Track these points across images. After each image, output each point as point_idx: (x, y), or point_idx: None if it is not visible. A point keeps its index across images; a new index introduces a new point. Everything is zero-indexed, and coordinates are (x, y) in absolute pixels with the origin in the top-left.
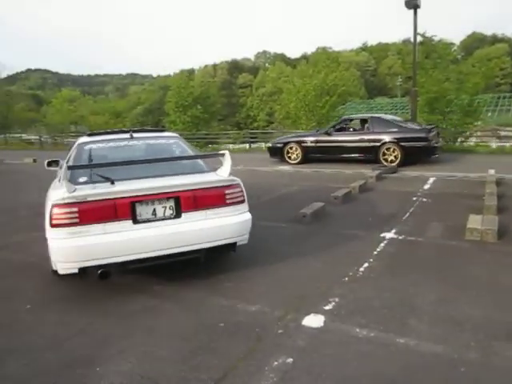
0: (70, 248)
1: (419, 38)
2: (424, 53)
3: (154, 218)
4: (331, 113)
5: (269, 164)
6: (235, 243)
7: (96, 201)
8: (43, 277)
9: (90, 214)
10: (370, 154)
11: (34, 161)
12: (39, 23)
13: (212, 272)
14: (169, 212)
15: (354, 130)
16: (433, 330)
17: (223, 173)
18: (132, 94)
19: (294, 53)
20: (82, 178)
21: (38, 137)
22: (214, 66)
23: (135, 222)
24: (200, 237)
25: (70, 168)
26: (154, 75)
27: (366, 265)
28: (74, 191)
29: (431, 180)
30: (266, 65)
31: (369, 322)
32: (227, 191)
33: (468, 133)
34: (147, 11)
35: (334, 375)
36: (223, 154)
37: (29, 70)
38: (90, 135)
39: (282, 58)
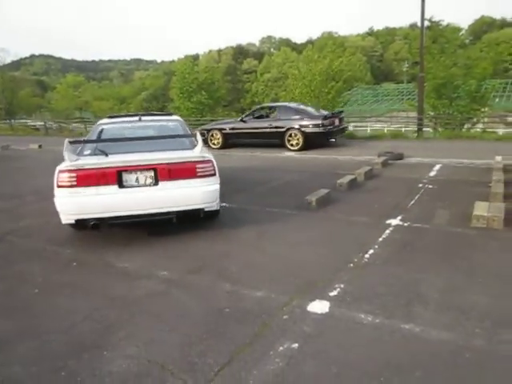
0: (69, 204)
1: (426, 23)
2: (431, 38)
3: (137, 185)
4: (337, 99)
5: (274, 151)
6: (203, 209)
7: (90, 169)
8: (50, 262)
9: (85, 178)
10: (277, 139)
11: (40, 147)
12: (41, 8)
13: (217, 257)
14: (149, 180)
15: (266, 117)
16: (439, 316)
17: (196, 150)
18: (136, 79)
19: (299, 38)
20: (87, 151)
21: (43, 123)
22: (219, 51)
23: (121, 186)
24: (173, 201)
25: (70, 143)
26: (159, 61)
27: (371, 251)
28: (76, 161)
29: (437, 166)
30: (271, 50)
31: (374, 308)
32: (198, 165)
33: (475, 119)
34: None
35: (340, 360)
36: (195, 135)
37: (33, 56)
38: (109, 117)
39: (287, 43)
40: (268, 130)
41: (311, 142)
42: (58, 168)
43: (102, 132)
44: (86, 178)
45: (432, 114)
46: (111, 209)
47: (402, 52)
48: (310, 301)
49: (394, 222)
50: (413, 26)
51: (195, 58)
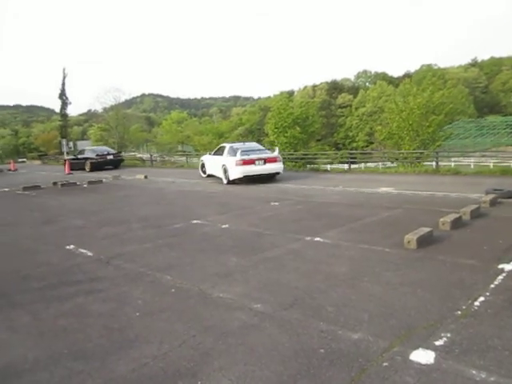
0: (239, 171)
1: None
2: None
3: (259, 164)
4: (438, 132)
5: (366, 185)
6: (279, 172)
7: (245, 159)
8: (151, 287)
9: (244, 162)
10: (83, 166)
11: (146, 177)
12: (156, 53)
13: (311, 294)
14: (262, 163)
15: (84, 153)
16: None
17: (275, 153)
18: (234, 115)
19: (396, 71)
20: (239, 152)
21: (149, 155)
22: (314, 86)
23: (255, 165)
24: (269, 169)
25: (237, 149)
26: (255, 97)
27: (481, 299)
28: (240, 156)
29: None
30: (367, 84)
31: (488, 363)
32: (277, 158)
33: None
34: (250, 36)
35: None
36: (274, 150)
37: (143, 95)
38: (230, 143)
39: (383, 76)
40: (81, 161)
41: (94, 167)
42: (235, 158)
43: (235, 147)
44: (244, 162)
45: None
46: (251, 172)
47: (511, 82)
48: (412, 349)
49: (508, 267)
50: None
51: (290, 93)
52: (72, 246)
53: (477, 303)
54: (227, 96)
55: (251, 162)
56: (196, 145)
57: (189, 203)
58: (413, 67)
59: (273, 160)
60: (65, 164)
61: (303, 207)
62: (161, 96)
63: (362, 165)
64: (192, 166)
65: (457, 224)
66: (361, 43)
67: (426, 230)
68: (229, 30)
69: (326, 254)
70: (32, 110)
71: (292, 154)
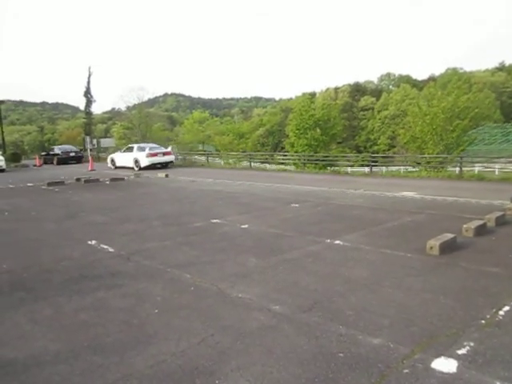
0: (148, 160)
1: None
2: None
3: (160, 156)
4: (462, 137)
5: (387, 188)
6: (172, 162)
7: (152, 153)
8: (170, 284)
9: (151, 155)
10: (51, 161)
11: (166, 176)
12: (176, 54)
13: (330, 298)
14: (162, 155)
15: (52, 151)
16: None
17: (169, 149)
18: (255, 116)
19: (420, 74)
20: (148, 149)
21: None
22: (336, 88)
23: (157, 157)
24: (167, 159)
25: (144, 147)
26: (277, 98)
27: (506, 308)
28: (148, 151)
29: None
30: (390, 87)
31: None
32: (171, 152)
33: None
34: (273, 37)
35: None
36: (169, 146)
37: (166, 94)
38: (139, 144)
39: (407, 79)
40: (51, 156)
41: (60, 161)
42: (145, 152)
43: (142, 146)
44: (151, 155)
45: None
46: (155, 161)
47: None
48: (434, 356)
49: None
50: None
51: (312, 95)
52: (94, 242)
53: (501, 312)
54: (249, 97)
55: (155, 154)
56: (217, 144)
57: (208, 202)
58: (438, 70)
59: (168, 153)
60: (91, 160)
61: (323, 209)
62: (183, 96)
63: (384, 168)
64: (213, 165)
65: (481, 231)
66: (385, 45)
67: (450, 236)
68: (252, 31)
69: (345, 257)
70: (58, 107)
71: (312, 156)
